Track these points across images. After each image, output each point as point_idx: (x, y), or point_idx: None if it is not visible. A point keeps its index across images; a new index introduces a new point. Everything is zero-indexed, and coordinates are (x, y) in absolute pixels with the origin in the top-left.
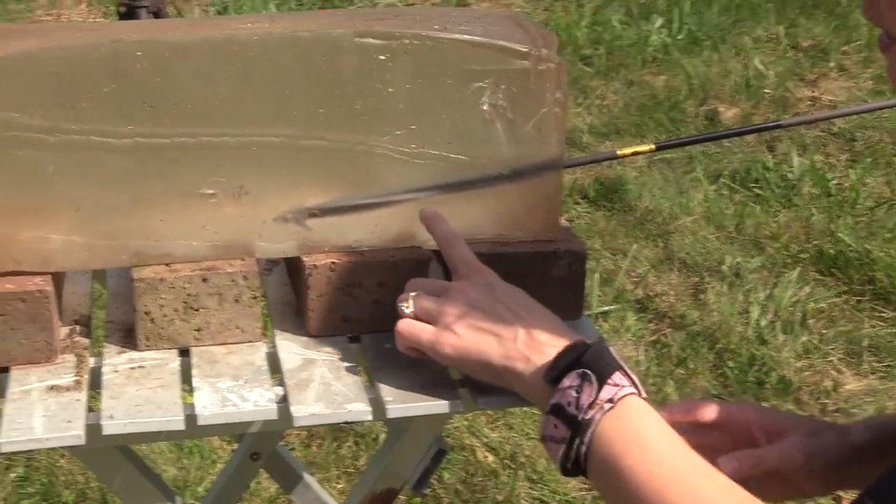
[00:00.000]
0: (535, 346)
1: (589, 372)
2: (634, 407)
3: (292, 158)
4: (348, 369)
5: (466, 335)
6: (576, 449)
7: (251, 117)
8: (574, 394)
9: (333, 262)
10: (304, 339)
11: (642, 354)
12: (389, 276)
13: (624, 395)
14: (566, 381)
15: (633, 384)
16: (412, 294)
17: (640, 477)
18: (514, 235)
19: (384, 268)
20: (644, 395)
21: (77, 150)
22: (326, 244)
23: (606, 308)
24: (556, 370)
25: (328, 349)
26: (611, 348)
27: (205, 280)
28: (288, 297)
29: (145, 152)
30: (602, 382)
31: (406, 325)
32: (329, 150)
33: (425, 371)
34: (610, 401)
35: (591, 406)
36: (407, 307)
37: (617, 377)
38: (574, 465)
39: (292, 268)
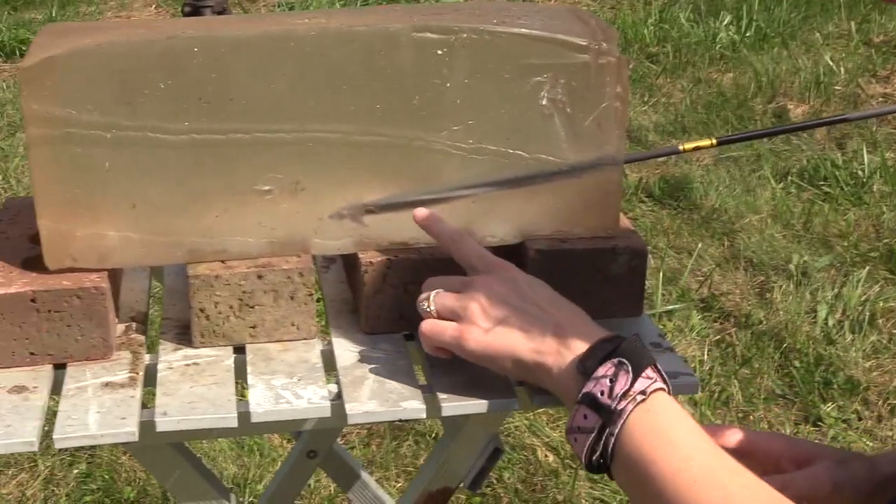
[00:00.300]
0: (565, 339)
1: (625, 361)
2: (664, 402)
3: (349, 154)
4: (403, 367)
5: (493, 330)
6: (604, 440)
7: (308, 113)
8: (608, 383)
9: (389, 260)
10: (360, 336)
11: (706, 354)
12: (446, 274)
13: (655, 390)
14: (601, 370)
15: (664, 381)
16: (432, 292)
17: (669, 473)
18: (572, 232)
19: (441, 265)
20: (671, 393)
21: (133, 146)
22: (383, 241)
23: (670, 307)
24: (593, 359)
25: (383, 347)
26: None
27: (260, 277)
28: (344, 294)
29: (201, 148)
30: (637, 374)
31: (429, 325)
32: (386, 145)
33: (482, 369)
34: (642, 393)
35: (624, 396)
36: (428, 306)
37: (650, 371)
38: (599, 458)
39: (349, 265)
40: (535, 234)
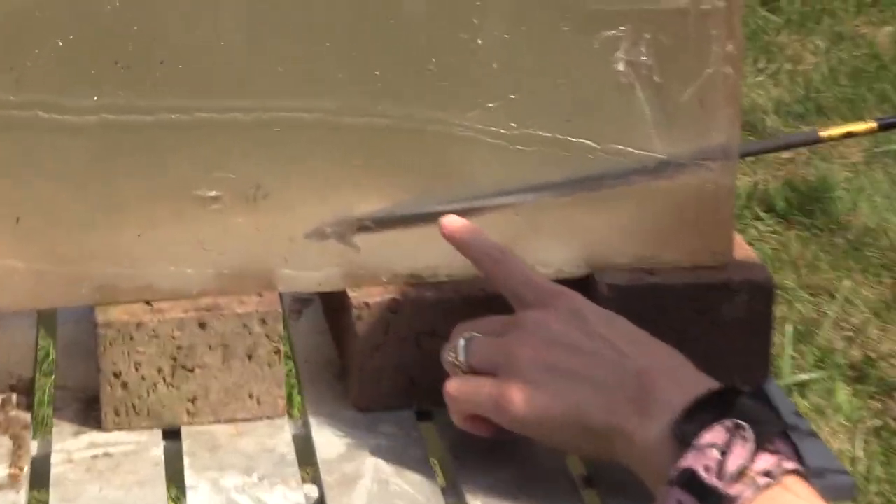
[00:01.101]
0: (653, 391)
1: (744, 425)
2: (799, 491)
3: (333, 144)
4: (415, 459)
5: (546, 384)
6: None
7: (272, 83)
8: (717, 455)
9: (395, 300)
10: (350, 414)
11: (861, 448)
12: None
13: (787, 471)
14: (707, 437)
15: (799, 459)
16: (463, 338)
17: None
18: (663, 259)
19: (471, 307)
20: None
21: (17, 131)
22: (384, 272)
23: (804, 376)
24: (696, 420)
25: (386, 430)
26: (773, 400)
27: (202, 325)
28: (325, 351)
29: (116, 135)
30: (761, 444)
31: (458, 384)
32: (389, 131)
33: (531, 462)
34: (767, 474)
35: (740, 476)
36: (457, 357)
37: (780, 444)
38: None
39: (333, 308)
40: (609, 262)
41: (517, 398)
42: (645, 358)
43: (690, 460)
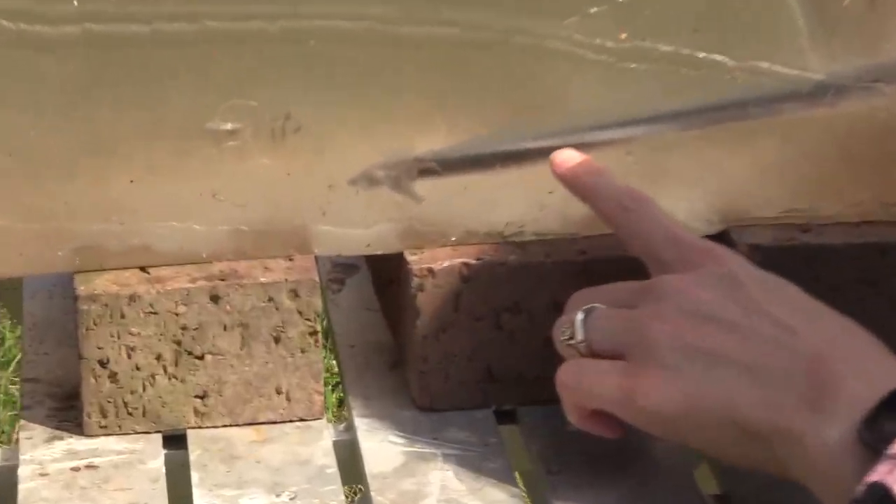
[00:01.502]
0: (829, 384)
1: None
2: None
3: (386, 62)
4: (495, 474)
5: (690, 371)
6: None
7: None
8: None
9: (467, 265)
10: (409, 414)
11: None
12: (575, 292)
13: None
14: None
15: None
16: (581, 311)
17: None
18: (819, 212)
19: (566, 274)
20: None
21: None
22: (454, 229)
23: None
24: (888, 422)
25: (456, 436)
26: None
27: (215, 299)
28: (376, 333)
29: (104, 51)
30: None
31: (575, 369)
32: (458, 44)
33: (647, 477)
34: None
35: None
36: (573, 336)
37: None
38: None
39: (385, 276)
40: (750, 215)
41: (652, 388)
42: (820, 337)
43: (882, 474)
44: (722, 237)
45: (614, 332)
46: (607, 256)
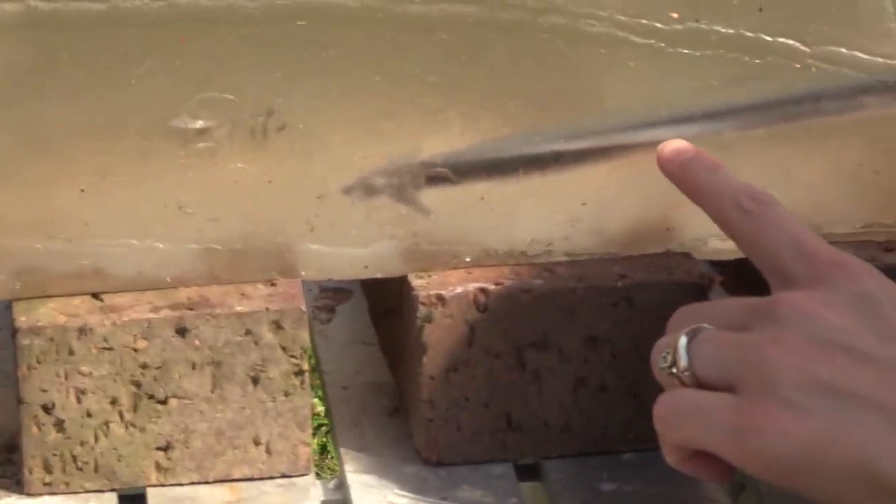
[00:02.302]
0: None
1: None
2: None
3: (390, 48)
4: None
5: (817, 410)
6: None
7: None
8: None
9: (482, 291)
10: (413, 470)
11: None
12: (615, 324)
13: None
14: None
15: None
16: (685, 334)
17: None
18: None
19: (603, 303)
20: None
21: None
22: (468, 248)
23: None
24: None
25: (470, 495)
26: None
27: (182, 332)
28: (373, 372)
29: (48, 32)
30: None
31: (676, 402)
32: (477, 26)
33: None
34: None
35: None
36: (674, 364)
37: None
38: None
39: (384, 305)
40: (823, 231)
41: (771, 428)
42: None
43: None
44: None
45: (725, 360)
46: (652, 281)
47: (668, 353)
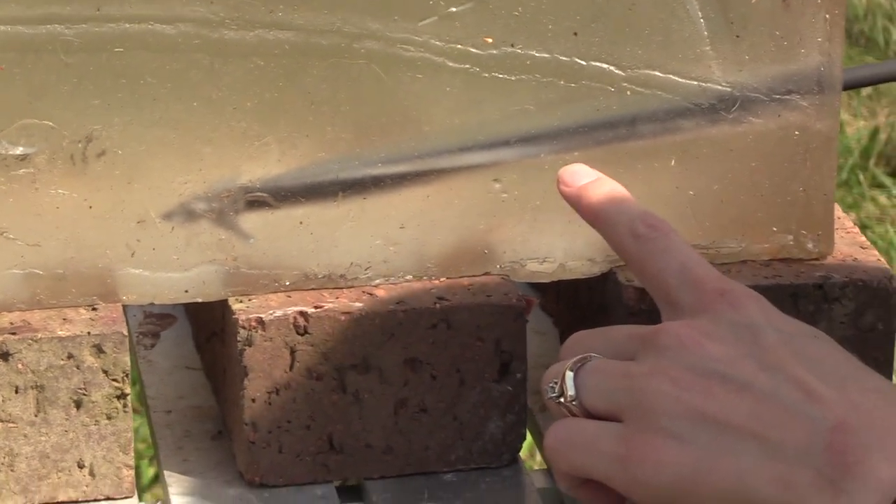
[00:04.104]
0: (848, 462)
1: None
2: None
3: (209, 73)
4: None
5: (695, 440)
6: None
7: None
8: None
9: (302, 315)
10: (236, 492)
11: None
12: (434, 346)
13: None
14: None
15: None
16: (575, 361)
17: None
18: (724, 249)
19: (422, 325)
20: None
21: None
22: (288, 272)
23: None
24: None
25: None
26: None
27: (5, 357)
28: (197, 396)
29: None
30: None
31: (564, 432)
32: (295, 52)
33: None
34: None
35: None
36: (561, 394)
37: None
38: None
39: (207, 329)
40: None
41: (651, 458)
42: (847, 404)
43: None
44: (606, 280)
45: (610, 391)
46: (470, 303)
47: (555, 382)
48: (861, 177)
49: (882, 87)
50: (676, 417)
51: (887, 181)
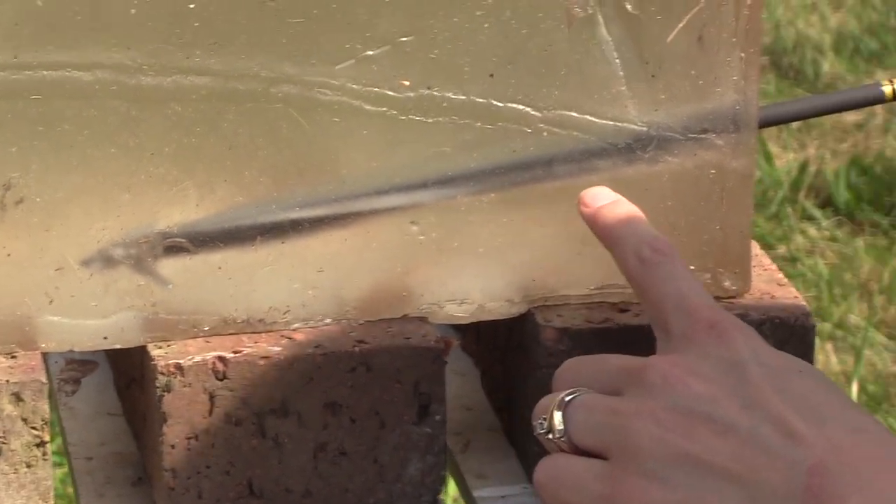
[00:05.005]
0: (830, 499)
1: None
2: None
3: (127, 119)
4: None
5: (676, 482)
6: None
7: (28, 22)
8: None
9: (221, 360)
10: None
11: None
12: (353, 389)
13: None
14: None
15: None
16: (565, 395)
17: None
18: None
19: (341, 369)
20: None
21: None
22: (205, 318)
23: None
24: None
25: None
26: None
27: None
28: (118, 443)
29: None
30: None
31: (552, 468)
32: (212, 97)
33: None
34: None
35: None
36: (549, 430)
37: None
38: None
39: (127, 375)
40: (558, 293)
41: (636, 500)
42: (827, 443)
43: None
44: (525, 321)
45: (598, 428)
46: (389, 346)
47: (544, 418)
48: (791, 210)
49: (812, 120)
50: (660, 459)
51: (817, 213)
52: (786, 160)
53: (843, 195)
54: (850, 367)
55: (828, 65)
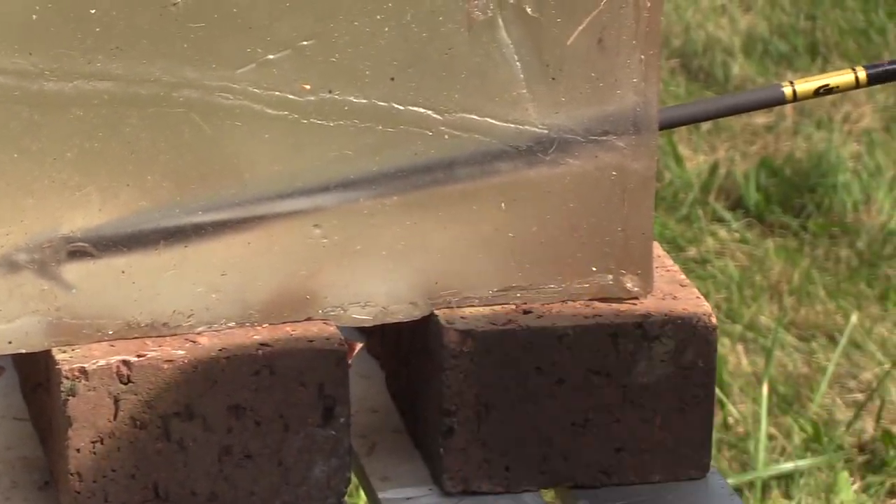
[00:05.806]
0: None
1: None
2: None
3: (26, 125)
4: None
5: None
6: None
7: None
8: None
9: (125, 364)
10: None
11: None
12: (257, 392)
13: None
14: None
15: None
16: None
17: None
18: (543, 290)
19: (244, 372)
20: None
21: None
22: (111, 322)
23: (789, 465)
24: None
25: None
26: None
27: None
28: (24, 447)
29: None
30: None
31: None
32: (113, 101)
33: None
34: None
35: None
36: None
37: None
38: None
39: (32, 380)
40: (461, 295)
41: None
42: None
43: None
44: (429, 322)
45: None
46: (293, 349)
47: None
48: (701, 212)
49: (722, 121)
50: None
51: (727, 215)
52: (696, 162)
53: (753, 197)
54: (761, 369)
55: (738, 67)
